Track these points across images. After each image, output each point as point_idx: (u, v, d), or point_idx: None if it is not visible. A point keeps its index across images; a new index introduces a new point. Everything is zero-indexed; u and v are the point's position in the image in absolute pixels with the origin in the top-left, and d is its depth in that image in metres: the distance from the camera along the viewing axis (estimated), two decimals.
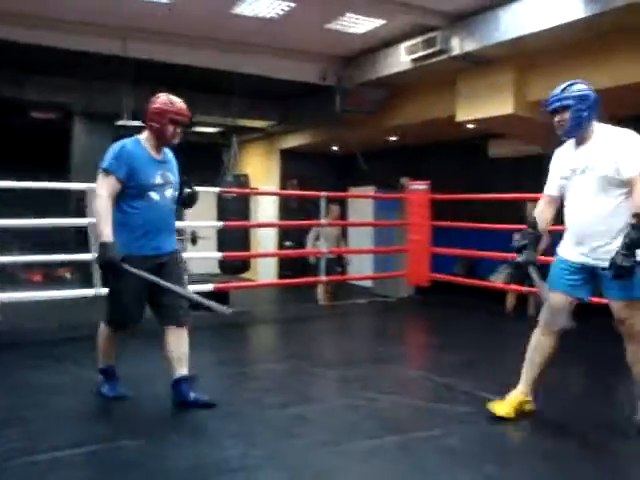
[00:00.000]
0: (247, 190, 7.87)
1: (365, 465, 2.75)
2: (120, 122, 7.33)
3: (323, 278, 7.30)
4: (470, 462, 2.77)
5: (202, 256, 8.48)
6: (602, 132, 3.13)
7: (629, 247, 2.83)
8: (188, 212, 10.56)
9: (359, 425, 3.26)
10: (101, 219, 3.16)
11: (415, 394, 3.96)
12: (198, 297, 3.36)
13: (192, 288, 6.60)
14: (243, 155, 12.45)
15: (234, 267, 7.69)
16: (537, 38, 5.68)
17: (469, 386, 3.90)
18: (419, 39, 6.50)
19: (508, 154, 8.54)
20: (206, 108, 9.58)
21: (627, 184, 2.96)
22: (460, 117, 7.07)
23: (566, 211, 3.30)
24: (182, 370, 3.40)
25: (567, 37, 5.70)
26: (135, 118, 8.50)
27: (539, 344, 3.32)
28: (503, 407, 3.29)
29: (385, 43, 7.14)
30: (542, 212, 3.45)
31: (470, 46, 6.14)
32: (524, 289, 6.78)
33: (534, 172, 7.74)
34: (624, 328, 3.06)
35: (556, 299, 3.24)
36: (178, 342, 3.42)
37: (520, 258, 3.35)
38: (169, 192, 3.42)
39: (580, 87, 3.15)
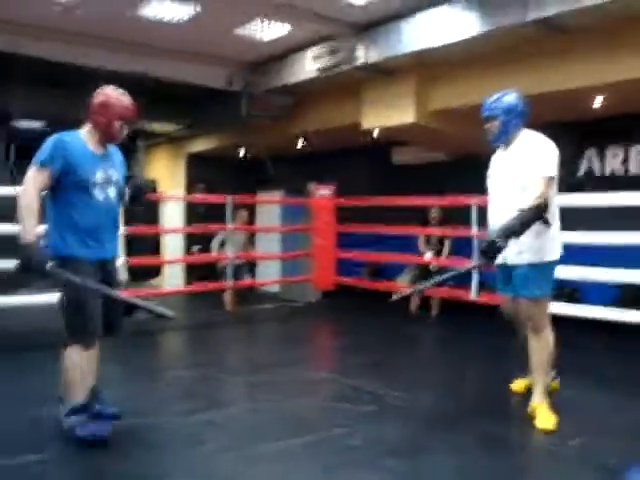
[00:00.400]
0: (154, 195, 7.70)
1: (272, 467, 2.77)
2: (16, 123, 7.00)
3: (230, 284, 7.27)
4: (373, 460, 2.85)
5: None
6: (522, 140, 3.44)
7: (503, 231, 3.11)
8: None
9: (265, 428, 3.29)
10: (26, 216, 2.82)
11: (320, 395, 4.03)
12: (143, 302, 3.23)
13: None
14: (149, 159, 12.17)
15: (144, 273, 7.50)
16: (437, 51, 5.92)
17: (374, 386, 4.02)
18: (324, 48, 6.62)
19: (411, 161, 8.83)
20: None
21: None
22: (365, 125, 7.24)
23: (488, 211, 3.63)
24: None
25: (466, 51, 5.98)
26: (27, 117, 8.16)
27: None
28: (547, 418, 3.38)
29: (291, 50, 7.20)
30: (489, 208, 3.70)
31: (374, 56, 6.30)
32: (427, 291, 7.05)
33: (437, 178, 8.12)
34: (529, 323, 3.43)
35: (505, 302, 3.65)
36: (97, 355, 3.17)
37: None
38: (112, 191, 3.15)
39: (508, 99, 3.45)
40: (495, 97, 3.51)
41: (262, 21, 6.30)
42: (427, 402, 3.79)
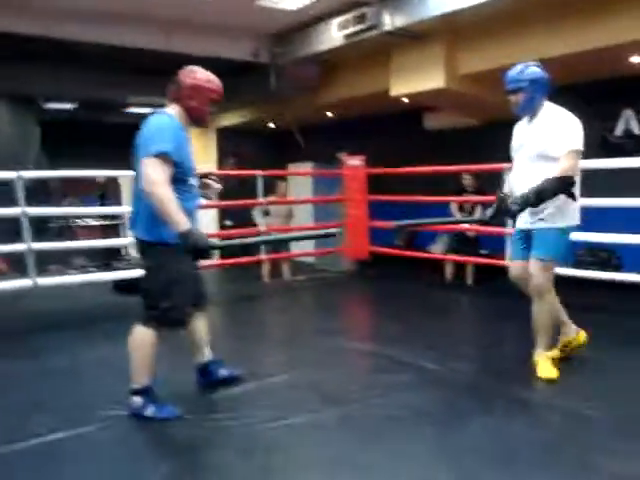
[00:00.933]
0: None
1: (310, 438, 2.82)
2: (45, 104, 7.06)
3: (264, 256, 7.31)
4: (410, 429, 2.87)
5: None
6: (547, 112, 3.47)
7: (535, 193, 3.22)
8: (126, 197, 10.43)
9: (303, 399, 3.32)
10: (173, 209, 2.73)
11: (357, 365, 4.05)
12: None
13: (131, 273, 6.58)
14: None
15: None
16: (465, 13, 5.78)
17: (409, 355, 4.02)
18: (350, 15, 6.51)
19: (443, 126, 8.69)
20: (138, 89, 9.36)
21: (556, 160, 3.30)
22: (394, 92, 7.14)
23: (510, 180, 3.70)
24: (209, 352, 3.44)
25: (494, 12, 5.82)
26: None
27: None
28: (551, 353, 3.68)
29: (317, 19, 7.11)
30: (511, 177, 3.79)
31: (400, 21, 6.19)
32: (462, 259, 7.00)
33: (469, 144, 7.99)
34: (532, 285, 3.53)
35: (514, 269, 3.72)
36: (205, 327, 3.42)
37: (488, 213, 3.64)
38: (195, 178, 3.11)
39: (533, 70, 3.46)
40: (518, 69, 3.50)
41: None
42: (463, 370, 3.78)
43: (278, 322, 5.71)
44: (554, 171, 3.27)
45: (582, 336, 3.80)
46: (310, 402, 3.27)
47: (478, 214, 7.05)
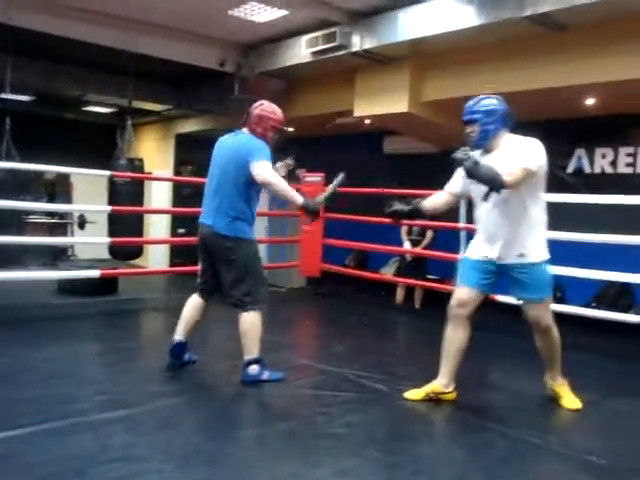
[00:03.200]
0: (140, 175, 7.62)
1: (251, 452, 2.77)
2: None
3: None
4: (354, 448, 2.86)
5: (89, 241, 8.16)
6: (508, 143, 3.43)
7: (478, 164, 3.21)
8: (76, 195, 10.19)
9: (246, 414, 3.29)
10: (289, 190, 3.68)
11: (302, 382, 4.02)
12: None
13: (77, 273, 6.41)
14: (138, 138, 12.05)
15: (125, 253, 7.43)
16: (433, 41, 5.92)
17: (355, 374, 4.02)
18: (320, 33, 6.57)
19: (402, 151, 8.81)
20: (100, 87, 9.20)
21: (527, 189, 3.32)
22: (357, 112, 7.21)
23: (476, 214, 3.63)
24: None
25: (461, 43, 5.97)
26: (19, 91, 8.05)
27: (450, 336, 3.58)
28: (416, 393, 3.57)
29: (287, 34, 7.14)
30: (435, 197, 3.86)
31: (369, 44, 6.27)
32: (412, 282, 7.08)
33: (426, 170, 8.11)
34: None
35: (464, 293, 3.59)
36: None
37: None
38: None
39: (488, 102, 3.43)
40: (475, 100, 3.46)
41: (258, 3, 6.23)
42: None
43: (222, 334, 5.61)
44: (512, 204, 3.30)
45: (453, 395, 3.59)
46: (254, 416, 3.24)
47: (426, 242, 7.19)
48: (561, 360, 3.63)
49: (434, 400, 3.51)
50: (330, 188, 3.91)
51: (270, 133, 3.82)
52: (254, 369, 3.70)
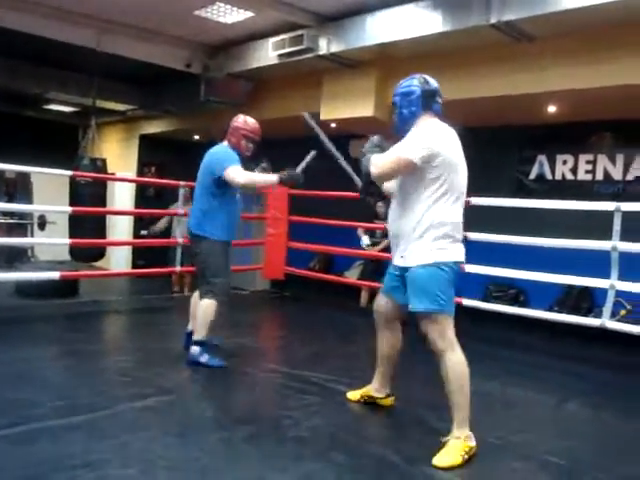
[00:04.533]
0: (103, 175, 7.48)
1: (214, 456, 2.74)
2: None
3: (177, 268, 7.13)
4: (319, 451, 2.85)
5: (49, 242, 7.98)
6: (418, 128, 3.03)
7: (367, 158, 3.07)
8: (36, 195, 9.98)
9: (208, 417, 3.25)
10: (262, 179, 4.27)
11: (265, 386, 4.00)
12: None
13: (36, 275, 6.27)
14: (101, 138, 11.85)
15: (87, 255, 7.29)
16: (399, 45, 5.97)
17: (320, 378, 4.01)
18: (287, 36, 6.55)
19: None
20: (62, 85, 9.03)
21: (413, 183, 2.94)
22: (324, 116, 7.21)
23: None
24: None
25: (427, 49, 6.03)
26: None
27: (377, 342, 3.49)
28: (353, 394, 3.56)
29: (253, 36, 7.11)
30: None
31: (336, 47, 6.29)
32: (376, 285, 7.10)
33: None
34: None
35: (379, 298, 3.42)
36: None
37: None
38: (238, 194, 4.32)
39: (408, 83, 3.11)
40: (401, 81, 3.16)
41: (224, 4, 6.19)
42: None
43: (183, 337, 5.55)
44: (411, 199, 2.95)
45: (388, 401, 3.50)
46: (217, 420, 3.20)
47: (383, 245, 7.23)
48: (469, 410, 2.95)
49: (369, 403, 3.50)
50: (303, 163, 4.18)
51: (243, 141, 4.25)
52: (195, 350, 4.11)
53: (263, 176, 4.26)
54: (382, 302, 3.36)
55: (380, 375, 3.48)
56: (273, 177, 4.10)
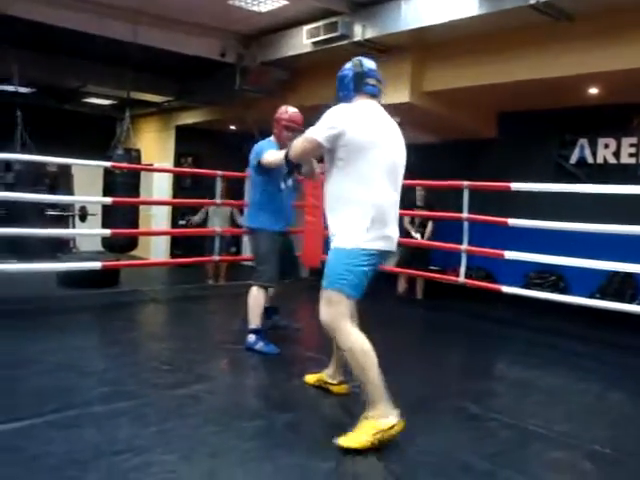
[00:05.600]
0: (139, 166, 7.58)
1: (255, 444, 2.76)
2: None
3: (216, 258, 7.19)
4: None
5: (91, 233, 8.12)
6: None
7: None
8: (76, 187, 10.17)
9: (250, 404, 3.28)
10: (277, 155, 3.78)
11: (304, 373, 4.01)
12: None
13: (79, 265, 6.40)
14: (137, 130, 12.03)
15: (120, 245, 7.39)
16: (435, 30, 5.88)
17: None
18: (321, 23, 6.52)
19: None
20: (99, 79, 9.19)
21: (330, 163, 2.93)
22: None
23: None
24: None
25: (464, 32, 5.94)
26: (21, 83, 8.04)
27: None
28: (311, 377, 3.56)
29: (287, 24, 7.10)
30: None
31: (371, 33, 6.24)
32: (414, 273, 7.07)
33: (428, 160, 8.09)
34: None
35: None
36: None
37: None
38: (290, 181, 4.29)
39: (345, 67, 3.12)
40: None
41: None
42: (411, 382, 3.78)
43: (222, 326, 5.60)
44: (331, 177, 2.93)
45: (340, 389, 3.43)
46: (258, 408, 3.23)
47: (428, 233, 7.18)
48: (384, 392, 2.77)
49: (324, 389, 3.46)
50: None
51: (284, 132, 4.27)
52: (251, 337, 4.20)
53: (276, 153, 3.93)
54: None
55: (335, 361, 3.45)
56: (282, 153, 3.57)
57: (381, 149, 2.89)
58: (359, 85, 3.02)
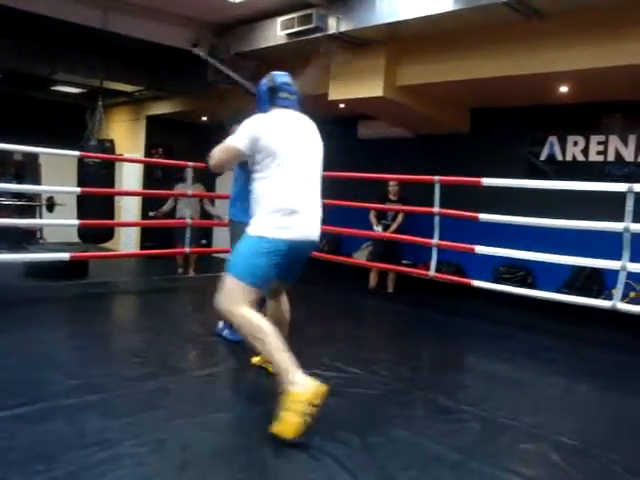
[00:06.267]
0: (111, 156, 7.47)
1: (226, 436, 2.75)
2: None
3: (186, 249, 7.14)
4: (330, 430, 2.85)
5: (57, 223, 8.00)
6: None
7: None
8: (45, 178, 9.99)
9: (221, 396, 3.26)
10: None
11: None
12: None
13: (47, 256, 6.29)
14: (108, 120, 11.85)
15: (96, 236, 7.30)
16: (409, 25, 5.89)
17: (330, 358, 4.02)
18: (296, 15, 6.49)
19: (376, 135, 8.80)
20: (70, 66, 8.99)
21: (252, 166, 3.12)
22: (332, 96, 7.16)
23: None
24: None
25: (438, 27, 5.97)
26: None
27: (268, 310, 3.55)
28: (255, 358, 3.61)
29: (262, 15, 7.04)
30: None
31: (346, 26, 6.23)
32: (385, 266, 7.11)
33: (400, 154, 8.13)
34: None
35: None
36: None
37: None
38: None
39: (261, 81, 3.36)
40: None
41: None
42: (382, 374, 3.81)
43: (192, 318, 5.55)
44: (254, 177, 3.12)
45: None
46: (229, 400, 3.22)
47: (395, 225, 7.22)
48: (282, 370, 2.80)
49: (264, 368, 3.49)
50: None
51: None
52: (220, 324, 4.34)
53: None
54: None
55: None
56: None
57: (293, 150, 3.07)
58: (272, 99, 3.25)
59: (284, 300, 3.54)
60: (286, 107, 3.24)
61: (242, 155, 3.12)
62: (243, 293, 2.92)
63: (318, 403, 2.68)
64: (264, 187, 3.04)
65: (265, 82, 3.31)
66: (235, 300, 2.91)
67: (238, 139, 3.08)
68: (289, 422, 2.63)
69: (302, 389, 2.68)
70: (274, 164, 3.03)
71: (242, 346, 4.07)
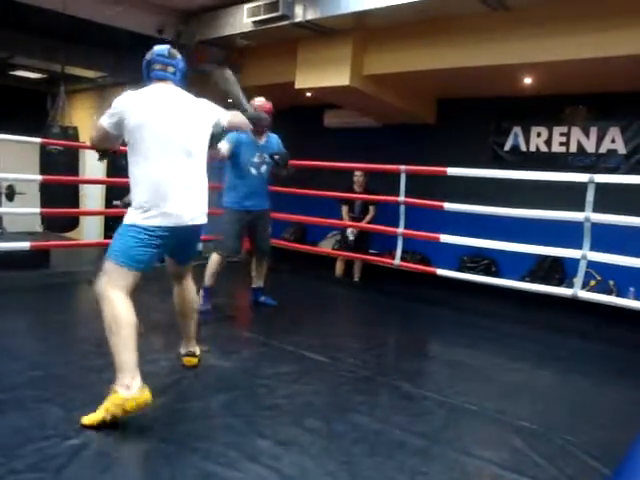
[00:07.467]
0: (74, 143, 7.30)
1: (193, 424, 2.73)
2: None
3: None
4: (295, 418, 2.86)
5: (17, 212, 7.79)
6: None
7: None
8: (4, 166, 9.73)
9: (186, 385, 3.24)
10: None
11: (243, 354, 4.00)
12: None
13: (5, 245, 6.15)
14: (71, 106, 11.58)
15: (60, 225, 7.14)
16: (376, 14, 5.86)
17: (295, 346, 4.03)
18: (262, 2, 6.41)
19: (343, 124, 8.78)
20: (29, 50, 8.73)
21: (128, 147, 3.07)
22: (299, 84, 7.12)
23: None
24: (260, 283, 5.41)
25: (405, 17, 5.95)
26: None
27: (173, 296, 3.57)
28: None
29: (228, 2, 6.95)
30: None
31: (312, 14, 6.17)
32: (351, 255, 7.14)
33: (366, 143, 8.14)
34: None
35: None
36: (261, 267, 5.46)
37: None
38: (264, 168, 4.97)
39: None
40: None
41: None
42: (347, 361, 3.83)
43: (158, 307, 5.50)
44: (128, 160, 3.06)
45: (192, 360, 3.52)
46: (194, 388, 3.19)
47: (370, 217, 7.23)
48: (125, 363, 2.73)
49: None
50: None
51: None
52: (201, 293, 4.69)
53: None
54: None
55: (183, 332, 3.53)
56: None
57: (159, 128, 2.98)
58: (148, 71, 3.22)
59: (189, 287, 3.49)
60: (163, 80, 3.17)
61: (111, 135, 3.06)
62: (118, 275, 2.93)
63: (133, 412, 2.62)
64: (134, 173, 3.00)
65: (154, 51, 3.25)
66: (111, 285, 2.92)
67: (104, 117, 3.04)
68: (97, 419, 2.59)
69: (130, 396, 2.61)
70: (143, 147, 2.95)
71: (207, 336, 4.08)
